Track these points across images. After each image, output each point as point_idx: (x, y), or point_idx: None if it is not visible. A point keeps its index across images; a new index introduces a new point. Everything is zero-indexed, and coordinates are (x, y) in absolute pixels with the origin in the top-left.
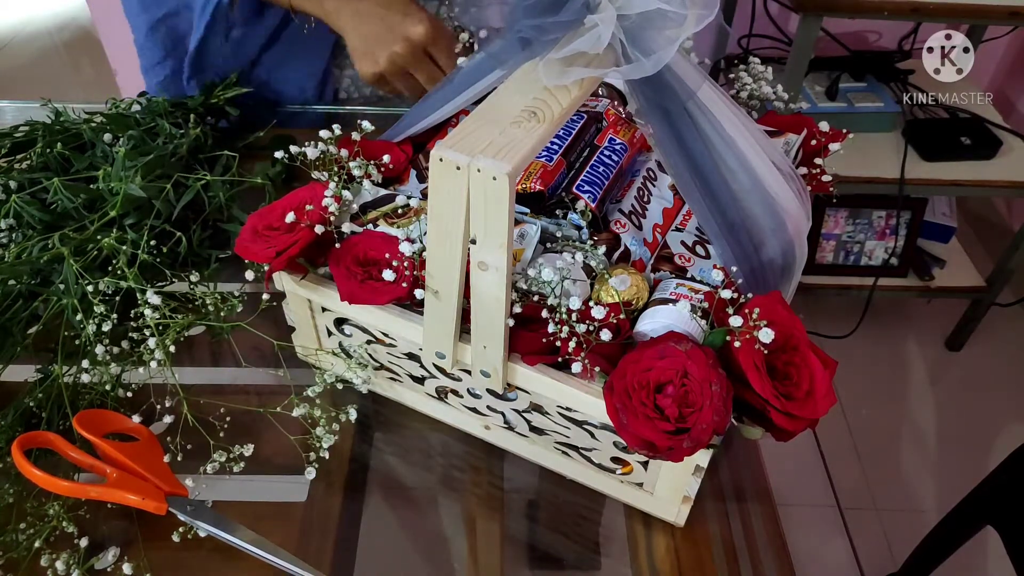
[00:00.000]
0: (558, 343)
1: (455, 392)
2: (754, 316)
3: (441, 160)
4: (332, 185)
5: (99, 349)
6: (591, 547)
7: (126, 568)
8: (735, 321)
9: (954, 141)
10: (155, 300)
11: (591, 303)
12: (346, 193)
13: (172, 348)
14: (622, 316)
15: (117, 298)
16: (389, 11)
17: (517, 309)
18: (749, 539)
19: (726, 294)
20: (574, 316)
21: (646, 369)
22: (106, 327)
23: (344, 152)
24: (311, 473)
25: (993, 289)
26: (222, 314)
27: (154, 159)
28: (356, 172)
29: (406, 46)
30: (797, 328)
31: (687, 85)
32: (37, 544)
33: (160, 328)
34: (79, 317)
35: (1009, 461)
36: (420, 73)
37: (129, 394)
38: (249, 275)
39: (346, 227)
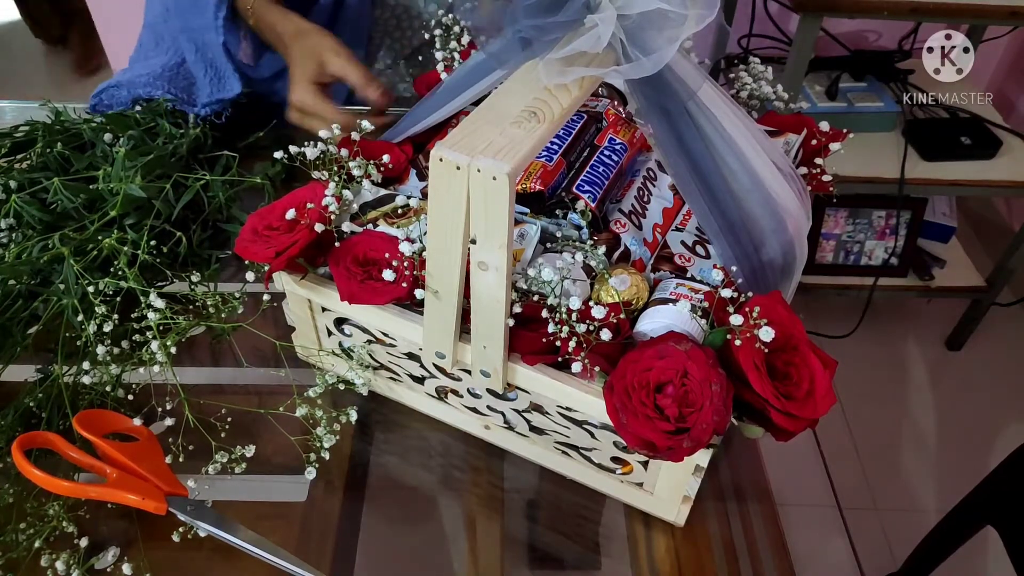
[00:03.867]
0: (558, 343)
1: (455, 392)
2: (754, 316)
3: (441, 160)
4: (332, 185)
5: (100, 350)
6: (591, 547)
7: (126, 568)
8: (735, 320)
9: (954, 141)
10: (159, 304)
11: (591, 303)
12: (346, 193)
13: (173, 349)
14: (622, 316)
15: (118, 299)
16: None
17: (517, 309)
18: (749, 539)
19: (726, 294)
20: (574, 316)
21: (646, 369)
22: (107, 328)
23: (344, 152)
24: (311, 473)
25: (993, 289)
26: (223, 315)
27: (154, 159)
28: (356, 172)
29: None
30: (797, 328)
31: (687, 85)
32: (37, 544)
33: (161, 329)
34: (79, 317)
35: (1009, 461)
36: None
37: (130, 396)
38: (249, 275)
39: (346, 227)
